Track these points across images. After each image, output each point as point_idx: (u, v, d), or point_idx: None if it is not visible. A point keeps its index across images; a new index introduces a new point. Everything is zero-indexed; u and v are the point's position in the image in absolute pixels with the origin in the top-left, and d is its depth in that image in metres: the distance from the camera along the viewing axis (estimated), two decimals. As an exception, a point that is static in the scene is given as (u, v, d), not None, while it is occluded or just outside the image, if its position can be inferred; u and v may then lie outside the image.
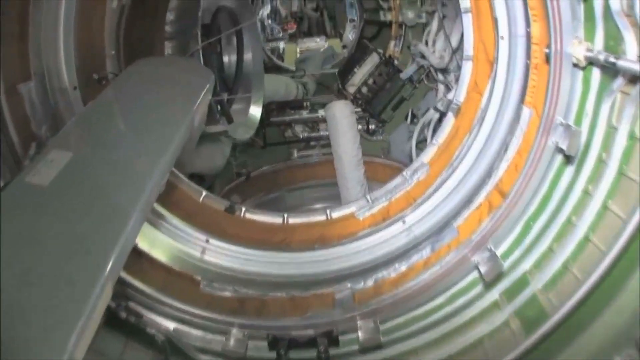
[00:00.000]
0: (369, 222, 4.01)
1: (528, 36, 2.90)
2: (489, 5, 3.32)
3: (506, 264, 2.94)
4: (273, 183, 7.20)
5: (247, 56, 6.00)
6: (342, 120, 6.59)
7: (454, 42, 5.41)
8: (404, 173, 4.05)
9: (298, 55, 10.76)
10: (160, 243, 3.57)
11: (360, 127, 7.28)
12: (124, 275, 3.18)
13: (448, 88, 5.86)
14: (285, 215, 4.21)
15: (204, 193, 4.24)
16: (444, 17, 5.95)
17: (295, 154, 7.51)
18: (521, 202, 2.86)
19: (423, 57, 6.66)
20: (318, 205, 7.35)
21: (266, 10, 13.58)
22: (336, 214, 4.19)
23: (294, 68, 8.98)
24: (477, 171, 3.44)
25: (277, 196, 7.34)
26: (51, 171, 2.06)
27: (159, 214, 3.61)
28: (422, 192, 3.81)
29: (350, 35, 11.41)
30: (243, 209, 4.28)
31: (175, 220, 3.68)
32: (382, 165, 7.14)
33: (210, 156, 5.64)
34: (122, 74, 3.41)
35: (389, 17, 7.53)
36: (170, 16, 4.78)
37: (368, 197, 4.11)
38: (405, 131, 7.14)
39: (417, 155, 5.64)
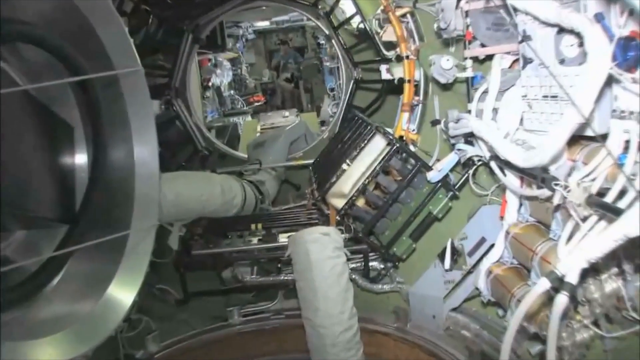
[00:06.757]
0: None
1: None
2: None
3: None
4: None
5: (119, 153, 2.85)
6: (320, 263, 3.79)
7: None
8: None
9: (258, 134, 7.76)
10: None
11: (353, 266, 4.06)
12: None
13: (558, 211, 2.65)
14: None
15: None
16: (526, 62, 2.82)
17: (236, 314, 4.32)
18: None
19: (469, 141, 3.46)
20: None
21: (226, 79, 11.37)
22: None
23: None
24: None
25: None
26: None
27: None
28: None
29: (330, 108, 8.90)
30: None
31: None
32: (394, 338, 4.17)
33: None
34: None
35: (397, 73, 4.31)
36: None
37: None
38: (438, 278, 3.84)
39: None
